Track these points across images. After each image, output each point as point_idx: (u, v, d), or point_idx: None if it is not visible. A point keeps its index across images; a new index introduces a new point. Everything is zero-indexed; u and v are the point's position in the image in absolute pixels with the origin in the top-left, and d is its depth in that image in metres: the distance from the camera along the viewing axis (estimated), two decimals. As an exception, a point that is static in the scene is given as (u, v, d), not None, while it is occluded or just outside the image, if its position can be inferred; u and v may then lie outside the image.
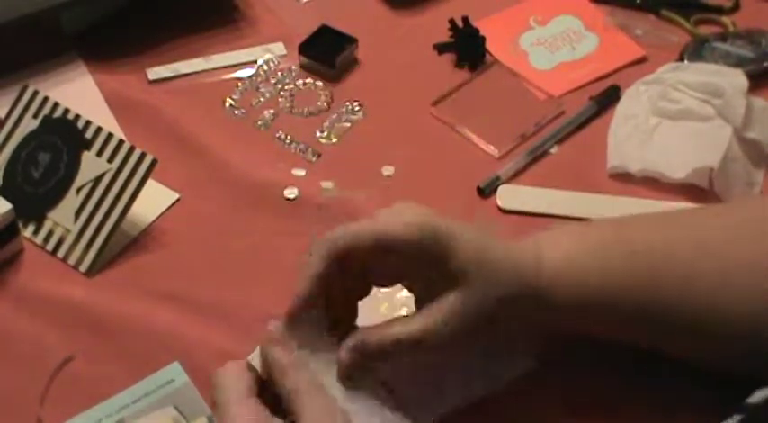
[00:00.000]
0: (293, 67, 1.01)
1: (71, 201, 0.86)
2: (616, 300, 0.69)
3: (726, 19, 1.04)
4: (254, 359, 0.66)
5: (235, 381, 0.64)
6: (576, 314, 0.70)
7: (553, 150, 0.93)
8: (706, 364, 0.72)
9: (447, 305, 0.65)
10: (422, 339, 0.65)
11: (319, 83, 0.99)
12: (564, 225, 0.73)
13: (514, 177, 0.90)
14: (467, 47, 1.00)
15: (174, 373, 0.75)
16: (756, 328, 0.68)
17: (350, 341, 0.66)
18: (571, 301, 0.69)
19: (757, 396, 0.64)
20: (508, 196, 0.88)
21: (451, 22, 1.00)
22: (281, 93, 0.99)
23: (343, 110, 0.97)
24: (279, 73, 1.00)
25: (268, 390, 0.65)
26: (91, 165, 0.86)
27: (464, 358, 0.72)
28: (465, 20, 1.00)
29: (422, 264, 0.66)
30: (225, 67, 1.01)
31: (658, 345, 0.72)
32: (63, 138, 0.87)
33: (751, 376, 0.68)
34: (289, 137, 0.94)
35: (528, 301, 0.68)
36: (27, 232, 0.86)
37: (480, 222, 0.72)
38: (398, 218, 0.65)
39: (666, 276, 0.69)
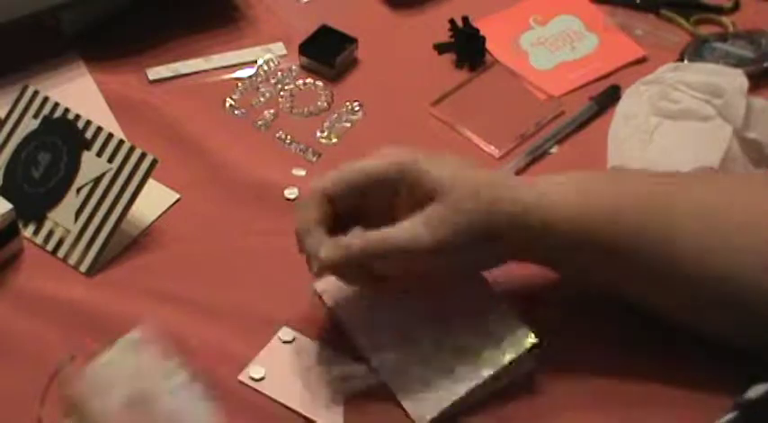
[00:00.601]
0: (293, 67, 1.01)
1: (71, 201, 0.86)
2: (604, 230, 0.72)
3: (726, 19, 1.04)
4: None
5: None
6: (564, 239, 0.72)
7: (553, 150, 0.93)
8: (706, 334, 0.73)
9: (426, 212, 0.71)
10: (403, 245, 0.71)
11: (319, 83, 0.99)
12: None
13: (514, 177, 0.90)
14: (467, 47, 1.00)
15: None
16: (741, 296, 0.70)
17: (332, 246, 0.72)
18: (560, 222, 0.72)
19: (754, 391, 0.65)
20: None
21: (451, 22, 1.00)
22: (282, 93, 0.99)
23: (344, 110, 0.97)
24: (279, 73, 1.00)
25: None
26: (91, 165, 0.86)
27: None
28: (465, 20, 1.00)
29: (405, 188, 0.72)
30: (225, 67, 1.01)
31: (645, 295, 0.74)
32: (63, 138, 0.87)
33: (745, 350, 0.70)
34: (289, 137, 0.94)
35: (511, 219, 0.72)
36: (27, 232, 0.86)
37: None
38: (381, 154, 0.73)
39: (658, 209, 0.72)
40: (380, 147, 0.75)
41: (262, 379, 0.75)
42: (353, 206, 0.74)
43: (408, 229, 0.71)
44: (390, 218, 0.72)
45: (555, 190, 0.73)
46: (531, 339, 0.73)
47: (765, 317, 0.70)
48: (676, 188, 0.74)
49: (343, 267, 0.73)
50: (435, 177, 0.72)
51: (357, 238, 0.72)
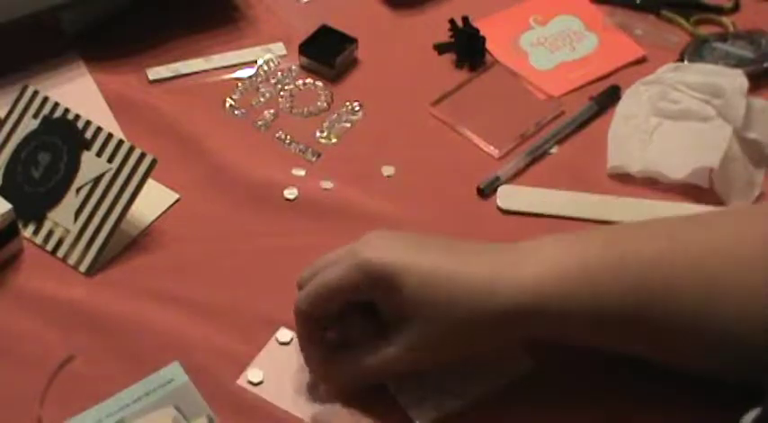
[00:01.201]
0: (293, 67, 1.01)
1: (71, 201, 0.86)
2: (602, 310, 0.68)
3: (726, 19, 1.04)
4: None
5: None
6: (561, 325, 0.69)
7: (553, 150, 0.93)
8: (694, 372, 0.72)
9: (407, 333, 0.69)
10: (383, 367, 0.70)
11: (319, 83, 0.99)
12: (549, 236, 0.72)
13: (514, 177, 0.90)
14: (467, 47, 1.00)
15: (174, 373, 0.75)
16: (740, 341, 0.68)
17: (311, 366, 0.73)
18: (554, 313, 0.68)
19: (750, 416, 0.64)
20: (508, 197, 0.88)
21: (451, 22, 1.00)
22: (281, 93, 0.99)
23: (344, 110, 0.97)
24: (279, 73, 1.00)
25: None
26: (91, 165, 0.86)
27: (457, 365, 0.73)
28: (465, 20, 1.00)
29: (378, 299, 0.70)
30: (225, 68, 1.01)
31: (643, 353, 0.72)
32: (63, 138, 0.87)
33: (742, 382, 0.69)
34: (289, 137, 0.94)
35: (504, 320, 0.68)
36: (27, 232, 0.86)
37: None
38: (345, 265, 0.69)
39: (654, 286, 0.68)
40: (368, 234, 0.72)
41: (260, 383, 0.75)
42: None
43: (386, 357, 0.70)
44: None
45: (550, 291, 0.68)
46: (528, 363, 0.73)
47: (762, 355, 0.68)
48: (673, 251, 0.70)
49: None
50: (406, 297, 0.68)
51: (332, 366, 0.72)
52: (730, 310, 0.68)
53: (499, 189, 0.88)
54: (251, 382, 0.75)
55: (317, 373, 0.74)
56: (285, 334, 0.77)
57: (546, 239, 0.71)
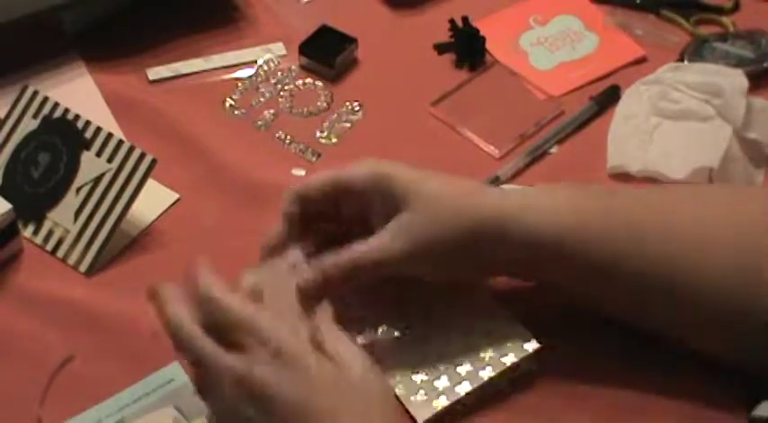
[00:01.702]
0: (293, 67, 1.01)
1: (71, 201, 0.86)
2: (588, 244, 0.70)
3: (726, 19, 1.04)
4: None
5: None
6: (543, 254, 0.71)
7: (553, 150, 0.93)
8: (681, 342, 0.72)
9: (393, 225, 0.71)
10: (375, 258, 0.71)
11: (319, 83, 0.99)
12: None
13: (514, 177, 0.90)
14: (467, 47, 1.00)
15: (174, 373, 0.75)
16: (727, 303, 0.69)
17: (309, 270, 0.72)
18: (536, 237, 0.70)
19: (763, 409, 0.64)
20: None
21: (451, 22, 1.00)
22: (281, 93, 0.99)
23: (343, 110, 0.97)
24: (279, 73, 1.00)
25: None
26: (91, 165, 0.86)
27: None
28: (465, 20, 1.00)
29: (374, 197, 0.72)
30: (225, 68, 1.01)
31: (629, 307, 0.73)
32: (63, 138, 0.87)
33: (737, 366, 0.70)
34: (289, 137, 0.94)
35: (487, 232, 0.71)
36: (27, 232, 0.86)
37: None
38: (355, 165, 0.73)
39: (644, 227, 0.71)
40: (368, 156, 0.75)
41: None
42: (331, 219, 0.75)
43: (376, 245, 0.71)
44: (367, 232, 0.72)
45: (542, 201, 0.72)
46: (533, 344, 0.73)
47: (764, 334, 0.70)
48: (671, 203, 0.74)
49: (321, 291, 0.71)
50: (405, 185, 0.72)
51: (326, 262, 0.71)
52: (717, 272, 0.69)
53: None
54: None
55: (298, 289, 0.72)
56: None
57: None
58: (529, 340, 0.73)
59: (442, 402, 0.71)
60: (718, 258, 0.70)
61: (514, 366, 0.72)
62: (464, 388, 0.72)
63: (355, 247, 0.72)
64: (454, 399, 0.71)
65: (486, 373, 0.72)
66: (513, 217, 0.71)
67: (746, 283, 0.69)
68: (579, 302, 0.75)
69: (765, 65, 0.97)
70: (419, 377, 0.72)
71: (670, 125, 0.91)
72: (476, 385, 0.72)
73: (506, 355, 0.73)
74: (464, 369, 0.72)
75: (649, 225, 0.71)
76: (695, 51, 0.99)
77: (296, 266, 0.73)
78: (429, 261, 0.72)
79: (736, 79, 0.90)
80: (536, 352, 0.73)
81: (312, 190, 0.74)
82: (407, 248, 0.71)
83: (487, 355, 0.73)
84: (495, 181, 0.89)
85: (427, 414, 0.71)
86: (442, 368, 0.73)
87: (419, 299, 0.76)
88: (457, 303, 0.76)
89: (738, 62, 0.96)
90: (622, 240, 0.71)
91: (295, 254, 0.74)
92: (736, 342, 0.71)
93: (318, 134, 0.95)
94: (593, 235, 0.71)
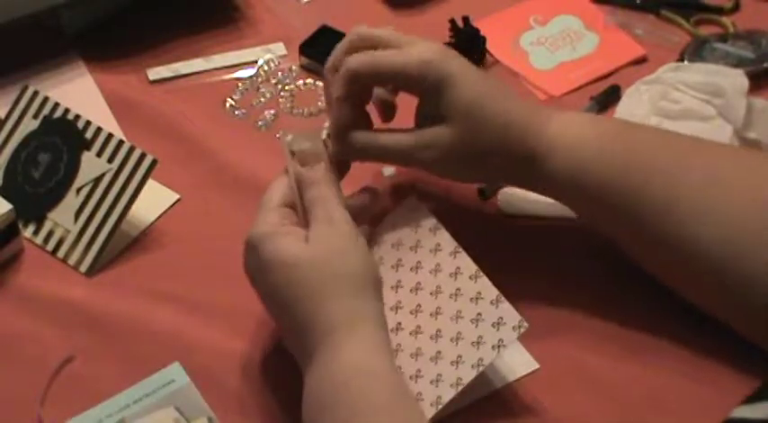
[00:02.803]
0: (293, 68, 1.01)
1: (71, 201, 0.86)
2: (611, 181, 0.74)
3: (726, 19, 1.04)
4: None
5: (280, 188, 0.74)
6: (569, 187, 0.76)
7: (553, 150, 0.92)
8: (701, 305, 0.75)
9: (431, 134, 0.75)
10: (404, 153, 0.77)
11: (319, 83, 0.99)
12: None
13: (515, 177, 0.90)
14: (467, 47, 1.00)
15: (175, 374, 0.75)
16: (724, 258, 0.72)
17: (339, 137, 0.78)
18: (565, 172, 0.75)
19: (740, 411, 0.65)
20: (509, 201, 0.87)
21: (452, 22, 1.00)
22: (282, 93, 0.99)
23: (344, 110, 0.96)
24: (279, 73, 1.00)
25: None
26: (91, 165, 0.86)
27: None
28: (465, 20, 1.00)
29: (424, 94, 0.76)
30: (225, 68, 1.01)
31: (641, 248, 0.76)
32: (63, 138, 0.87)
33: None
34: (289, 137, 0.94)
35: (519, 162, 0.76)
36: (27, 232, 0.86)
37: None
38: (415, 52, 0.75)
39: (661, 167, 0.74)
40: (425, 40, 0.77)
41: None
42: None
43: (406, 147, 0.76)
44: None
45: (572, 140, 0.76)
46: (523, 324, 0.72)
47: (753, 298, 0.71)
48: (688, 148, 0.76)
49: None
50: (453, 99, 0.74)
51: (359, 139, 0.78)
52: (723, 220, 0.72)
53: (500, 194, 0.88)
54: None
55: (336, 134, 0.78)
56: None
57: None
58: (517, 322, 0.72)
59: (441, 403, 0.71)
60: (722, 207, 0.72)
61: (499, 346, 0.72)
62: (455, 389, 0.71)
63: (387, 137, 0.77)
64: (449, 398, 0.71)
65: (474, 372, 0.71)
66: (541, 155, 0.76)
67: (747, 237, 0.71)
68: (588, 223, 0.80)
69: (765, 65, 0.97)
70: (411, 376, 0.72)
71: (670, 125, 0.91)
72: (469, 380, 0.71)
73: (497, 341, 0.72)
74: (456, 366, 0.72)
75: (660, 166, 0.75)
76: (695, 51, 0.99)
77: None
78: (449, 170, 0.78)
79: (737, 79, 0.90)
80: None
81: (368, 71, 0.76)
82: (438, 159, 0.76)
83: (477, 347, 0.72)
84: (496, 181, 0.89)
85: (428, 414, 0.71)
86: (434, 366, 0.72)
87: (409, 294, 0.76)
88: (445, 286, 0.75)
89: (738, 62, 0.96)
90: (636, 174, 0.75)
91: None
92: (736, 302, 0.72)
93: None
94: (614, 172, 0.75)
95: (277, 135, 0.94)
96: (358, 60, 0.76)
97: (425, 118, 0.77)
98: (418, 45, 0.76)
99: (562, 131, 0.76)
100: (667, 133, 0.80)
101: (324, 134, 0.78)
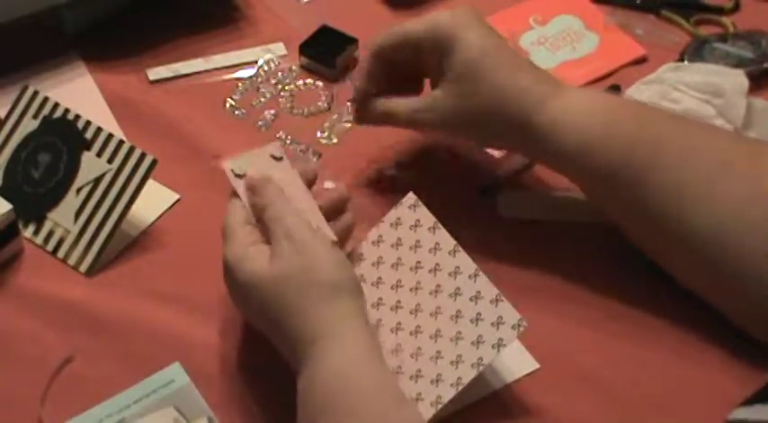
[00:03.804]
0: (293, 68, 1.01)
1: (71, 201, 0.86)
2: (618, 160, 0.75)
3: (726, 19, 1.04)
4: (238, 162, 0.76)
5: (238, 209, 0.74)
6: (575, 163, 0.77)
7: (553, 150, 0.92)
8: (696, 290, 0.75)
9: (432, 97, 0.80)
10: (408, 116, 0.81)
11: (320, 83, 0.99)
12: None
13: (515, 177, 0.90)
14: (467, 47, 1.00)
15: (175, 374, 0.75)
16: (723, 247, 0.72)
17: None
18: (571, 148, 0.76)
19: (739, 413, 0.65)
20: (509, 204, 0.87)
21: (452, 22, 1.00)
22: (282, 93, 0.99)
23: (344, 110, 0.97)
24: (279, 73, 1.00)
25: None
26: (91, 165, 0.86)
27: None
28: (465, 20, 1.00)
29: (432, 57, 0.79)
30: (225, 68, 1.01)
31: (642, 231, 0.77)
32: (63, 138, 0.87)
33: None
34: (289, 137, 0.94)
35: (517, 130, 0.77)
36: (27, 232, 0.86)
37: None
38: (431, 17, 0.80)
39: (671, 150, 0.74)
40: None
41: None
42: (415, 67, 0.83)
43: (409, 110, 0.81)
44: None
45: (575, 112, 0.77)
46: (521, 323, 0.72)
47: (754, 286, 0.71)
48: (698, 132, 0.77)
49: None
50: (450, 62, 0.78)
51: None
52: (721, 208, 0.72)
53: (500, 197, 0.88)
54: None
55: (358, 102, 0.84)
56: None
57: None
58: (516, 321, 0.72)
59: (441, 403, 0.71)
60: (724, 198, 0.73)
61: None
62: (455, 389, 0.71)
63: (393, 105, 0.82)
64: (449, 398, 0.71)
65: (474, 372, 0.71)
66: (544, 127, 0.77)
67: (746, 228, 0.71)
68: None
69: (765, 65, 0.97)
70: (409, 379, 0.72)
71: (670, 125, 0.91)
72: (469, 380, 0.71)
73: (497, 340, 0.72)
74: (456, 365, 0.72)
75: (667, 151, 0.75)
76: (695, 51, 0.99)
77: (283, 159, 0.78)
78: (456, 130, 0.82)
79: (737, 79, 0.90)
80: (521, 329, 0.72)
81: (390, 46, 0.82)
82: (441, 119, 0.80)
83: (477, 346, 0.72)
84: (496, 181, 0.89)
85: (428, 414, 0.71)
86: (434, 366, 0.72)
87: (410, 295, 0.76)
88: (445, 286, 0.75)
89: (738, 62, 0.97)
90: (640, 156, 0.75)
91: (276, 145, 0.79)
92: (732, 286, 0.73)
93: (319, 134, 0.95)
94: (621, 150, 0.75)
95: (277, 135, 0.94)
96: (381, 36, 0.82)
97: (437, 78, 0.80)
98: (442, 11, 0.80)
99: (569, 106, 0.76)
100: (678, 117, 0.81)
101: (273, 148, 0.78)
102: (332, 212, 0.76)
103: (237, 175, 0.76)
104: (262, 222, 0.73)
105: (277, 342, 0.71)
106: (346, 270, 0.71)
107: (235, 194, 0.75)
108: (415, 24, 0.80)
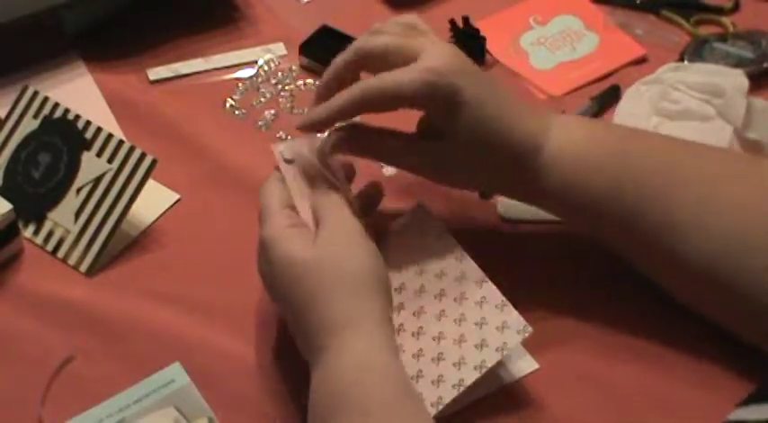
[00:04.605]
0: (293, 68, 1.01)
1: (71, 201, 0.86)
2: (606, 200, 0.75)
3: (726, 19, 1.04)
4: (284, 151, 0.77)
5: (277, 191, 0.74)
6: (564, 205, 0.77)
7: (553, 150, 0.92)
8: (700, 312, 0.75)
9: (432, 148, 0.76)
10: (403, 161, 0.79)
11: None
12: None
13: (515, 177, 0.90)
14: (467, 47, 0.99)
15: (175, 374, 0.75)
16: (724, 271, 0.72)
17: (340, 131, 0.77)
18: (560, 190, 0.76)
19: (737, 414, 0.65)
20: (509, 206, 0.87)
21: (452, 22, 1.00)
22: (282, 93, 0.99)
23: (344, 110, 0.97)
24: (279, 73, 1.00)
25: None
26: (91, 165, 0.86)
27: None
28: (465, 20, 1.00)
29: (428, 110, 0.76)
30: (225, 68, 1.01)
31: (636, 255, 0.76)
32: (63, 138, 0.87)
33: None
34: (289, 137, 0.94)
35: (515, 177, 0.77)
36: (27, 232, 0.86)
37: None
38: (418, 74, 0.73)
39: (655, 185, 0.74)
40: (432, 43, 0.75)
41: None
42: None
43: (404, 153, 0.78)
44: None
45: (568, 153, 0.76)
46: (527, 329, 0.72)
47: (757, 305, 0.71)
48: (683, 160, 0.76)
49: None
50: (457, 122, 0.74)
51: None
52: (710, 232, 0.72)
53: (499, 199, 0.87)
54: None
55: (340, 136, 0.78)
56: None
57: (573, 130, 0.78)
58: (521, 327, 0.72)
59: (442, 404, 0.71)
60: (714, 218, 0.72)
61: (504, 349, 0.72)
62: (456, 400, 0.71)
63: (386, 139, 0.78)
64: (450, 398, 0.71)
65: (476, 374, 0.71)
66: (537, 172, 0.76)
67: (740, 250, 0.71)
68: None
69: (765, 65, 0.97)
70: (414, 384, 0.72)
71: (670, 125, 0.91)
72: (471, 382, 0.71)
73: (501, 344, 0.72)
74: (458, 367, 0.72)
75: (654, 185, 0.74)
76: (695, 51, 0.99)
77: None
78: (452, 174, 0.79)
79: (737, 79, 0.90)
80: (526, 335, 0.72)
81: (375, 98, 0.75)
82: (431, 170, 0.78)
83: (481, 349, 0.72)
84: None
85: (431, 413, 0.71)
86: (435, 367, 0.72)
87: (412, 299, 0.76)
88: (450, 290, 0.75)
89: (738, 62, 0.97)
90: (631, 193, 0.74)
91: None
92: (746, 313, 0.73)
93: (319, 134, 0.94)
94: (608, 191, 0.75)
95: (277, 135, 0.94)
96: (363, 88, 0.74)
97: (428, 127, 0.77)
98: (424, 59, 0.74)
99: (558, 150, 0.76)
100: (663, 144, 0.79)
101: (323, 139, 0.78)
102: (366, 207, 0.77)
103: (287, 160, 0.76)
104: (312, 204, 0.73)
105: (294, 326, 0.71)
106: (380, 264, 0.71)
107: (276, 175, 0.76)
108: (408, 81, 0.73)
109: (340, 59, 0.77)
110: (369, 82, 0.75)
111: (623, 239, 0.76)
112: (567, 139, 0.76)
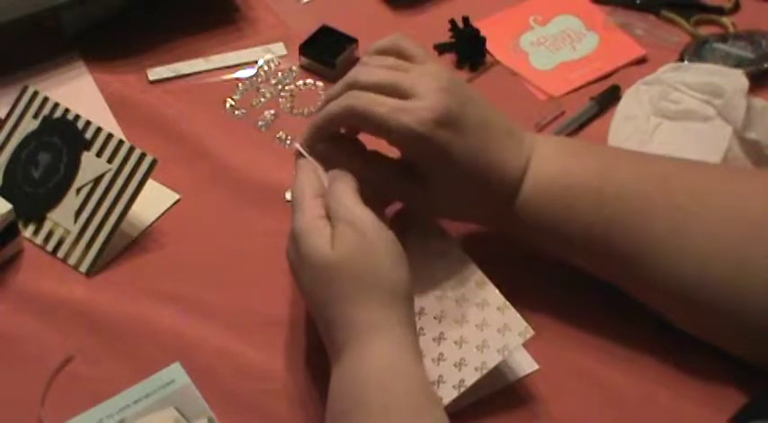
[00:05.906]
0: (294, 68, 1.01)
1: (71, 201, 0.86)
2: (577, 237, 0.75)
3: (726, 20, 1.04)
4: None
5: (311, 180, 0.74)
6: (540, 240, 0.78)
7: (553, 151, 0.92)
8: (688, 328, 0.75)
9: (415, 190, 0.76)
10: (384, 192, 0.77)
11: (320, 83, 0.99)
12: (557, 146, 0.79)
13: (515, 178, 0.90)
14: (467, 47, 1.00)
15: (175, 374, 0.75)
16: (700, 291, 0.72)
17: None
18: (534, 228, 0.76)
19: None
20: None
21: (452, 22, 1.00)
22: (282, 93, 0.99)
23: (344, 110, 0.97)
24: (279, 73, 1.00)
25: None
26: (91, 165, 0.86)
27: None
28: (465, 20, 1.00)
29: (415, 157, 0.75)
30: (225, 68, 1.01)
31: (623, 279, 0.77)
32: (63, 138, 0.87)
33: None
34: (289, 137, 0.94)
35: (495, 214, 0.77)
36: (27, 233, 0.86)
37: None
38: (413, 116, 0.72)
39: (624, 219, 0.74)
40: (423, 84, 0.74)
41: None
42: None
43: (387, 187, 0.77)
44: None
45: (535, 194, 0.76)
46: (528, 331, 0.73)
47: (746, 321, 0.71)
48: (654, 190, 0.75)
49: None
50: (440, 172, 0.74)
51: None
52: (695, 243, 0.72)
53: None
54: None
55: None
56: None
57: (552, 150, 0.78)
58: (522, 329, 0.73)
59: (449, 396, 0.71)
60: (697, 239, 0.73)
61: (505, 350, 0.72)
62: (457, 391, 0.71)
63: (375, 172, 0.76)
64: (451, 399, 0.71)
65: (477, 375, 0.71)
66: (514, 207, 0.76)
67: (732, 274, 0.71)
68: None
69: (765, 65, 0.97)
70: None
71: (670, 125, 0.91)
72: (472, 383, 0.71)
73: (502, 346, 0.72)
74: (459, 368, 0.72)
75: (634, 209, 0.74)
76: (695, 52, 0.99)
77: None
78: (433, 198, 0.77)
79: (737, 79, 0.90)
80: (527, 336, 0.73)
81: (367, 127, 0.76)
82: (414, 204, 0.78)
83: (482, 350, 0.72)
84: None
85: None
86: (436, 368, 0.72)
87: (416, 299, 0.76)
88: (451, 292, 0.75)
89: (738, 62, 0.97)
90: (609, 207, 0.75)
91: None
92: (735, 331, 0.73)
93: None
94: (579, 227, 0.75)
95: (277, 135, 0.94)
96: (353, 114, 0.74)
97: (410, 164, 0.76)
98: (416, 102, 0.73)
99: (532, 187, 0.76)
100: (636, 178, 0.76)
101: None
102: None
103: (304, 156, 0.76)
104: (327, 199, 0.73)
105: (317, 319, 0.71)
106: (404, 270, 0.70)
107: (308, 167, 0.75)
108: (404, 130, 0.73)
109: (333, 104, 0.75)
110: (362, 114, 0.74)
111: (599, 270, 0.77)
112: (541, 173, 0.76)
